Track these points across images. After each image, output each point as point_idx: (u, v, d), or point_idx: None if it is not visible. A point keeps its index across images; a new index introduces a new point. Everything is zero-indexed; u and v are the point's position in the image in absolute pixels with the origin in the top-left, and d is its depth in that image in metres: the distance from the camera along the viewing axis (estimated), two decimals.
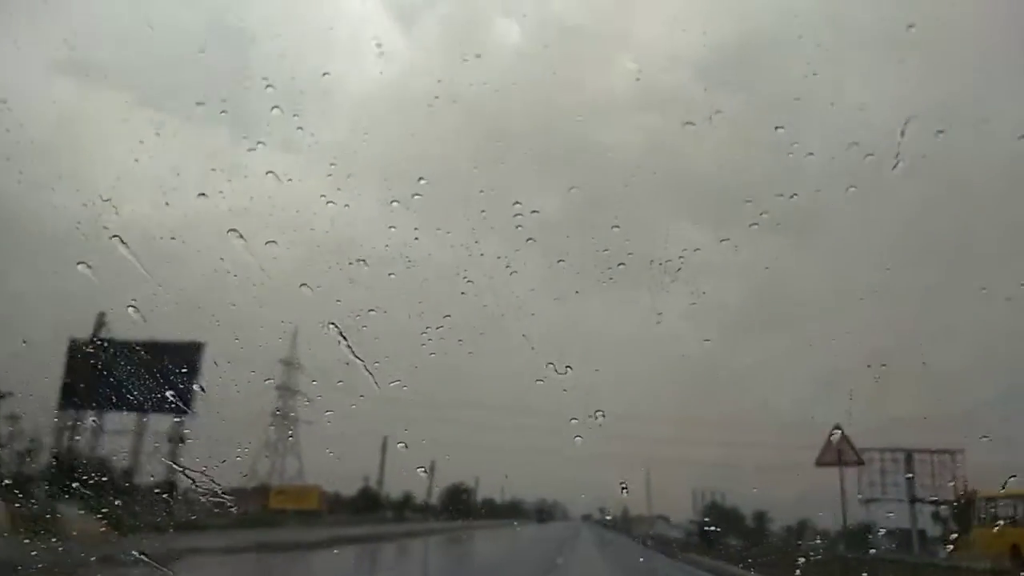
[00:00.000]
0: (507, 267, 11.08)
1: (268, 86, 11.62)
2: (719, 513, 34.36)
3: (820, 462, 15.70)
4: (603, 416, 9.23)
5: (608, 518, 37.31)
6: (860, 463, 18.15)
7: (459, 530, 37.45)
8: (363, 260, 10.69)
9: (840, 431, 14.45)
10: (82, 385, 16.21)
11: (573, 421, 9.32)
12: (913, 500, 24.17)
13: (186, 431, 16.16)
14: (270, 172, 10.36)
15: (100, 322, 15.38)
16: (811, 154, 11.12)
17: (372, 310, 9.72)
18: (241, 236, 8.74)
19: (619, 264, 11.07)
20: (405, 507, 39.70)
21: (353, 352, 8.55)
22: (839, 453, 15.45)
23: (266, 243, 9.42)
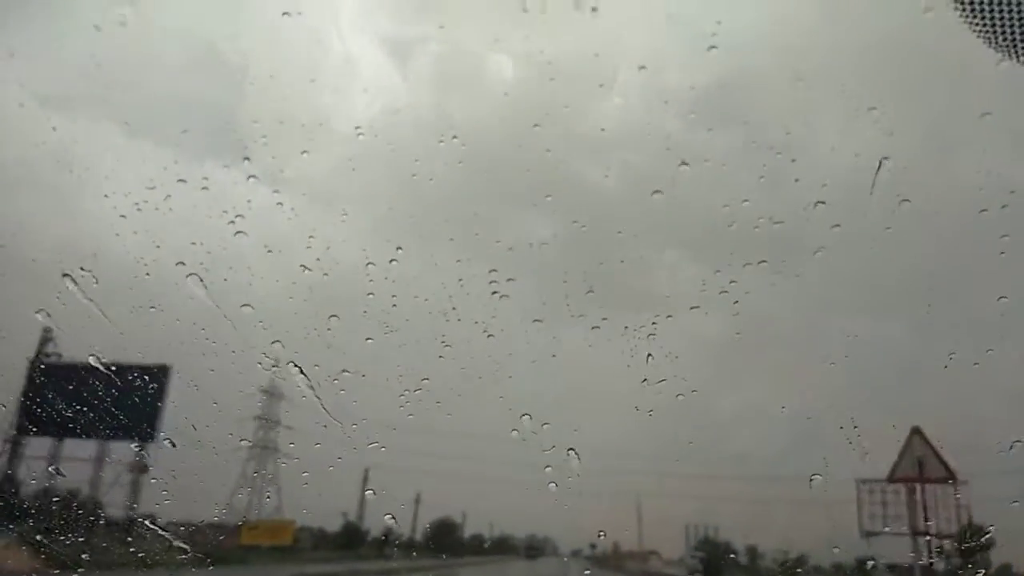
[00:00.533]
0: (484, 331, 11.48)
1: (245, 158, 12.14)
2: (711, 548, 33.34)
3: (894, 478, 12.42)
4: (578, 457, 9.21)
5: (598, 554, 36.01)
6: (951, 479, 13.72)
7: (442, 568, 35.92)
8: (336, 316, 10.79)
9: (920, 435, 11.44)
10: (36, 410, 15.24)
11: (547, 468, 9.50)
12: (916, 533, 23.10)
13: (150, 462, 15.17)
14: (240, 232, 10.41)
15: (46, 337, 14.48)
16: (773, 212, 11.26)
17: (346, 371, 9.99)
18: (205, 286, 8.79)
19: (593, 327, 11.75)
20: (386, 543, 38.09)
21: (328, 412, 8.82)
22: (920, 466, 11.94)
23: (242, 306, 9.62)
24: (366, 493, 36.51)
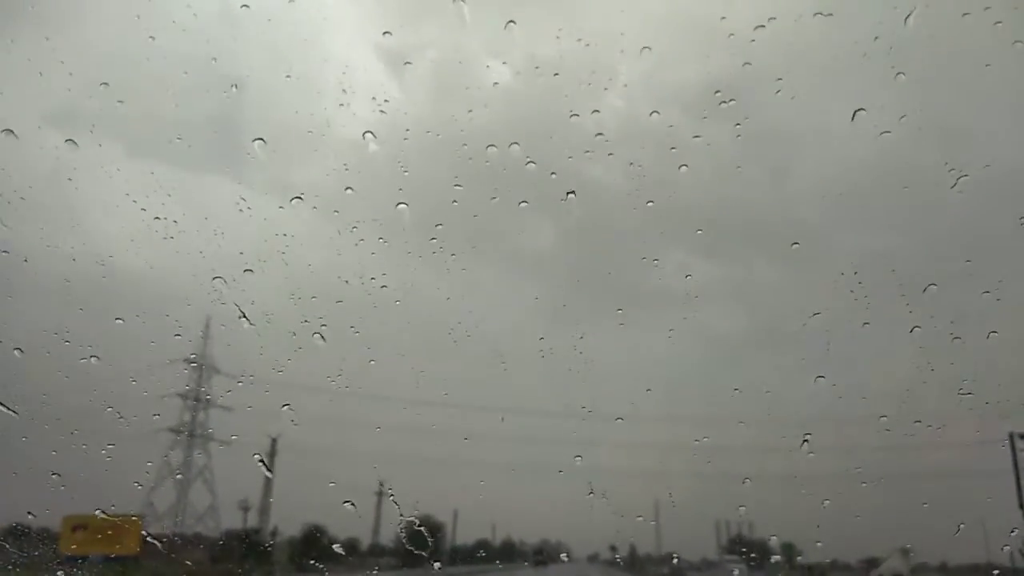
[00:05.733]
0: (492, 330, 14.57)
1: (240, 210, 13.49)
2: (744, 546, 28.12)
3: None
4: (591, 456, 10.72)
5: (618, 558, 29.34)
6: None
7: None
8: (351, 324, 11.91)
9: None
10: None
11: (577, 459, 10.47)
12: None
13: None
14: (233, 244, 12.76)
15: None
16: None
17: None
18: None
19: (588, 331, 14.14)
20: (309, 552, 26.89)
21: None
22: None
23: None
24: (269, 475, 26.93)
